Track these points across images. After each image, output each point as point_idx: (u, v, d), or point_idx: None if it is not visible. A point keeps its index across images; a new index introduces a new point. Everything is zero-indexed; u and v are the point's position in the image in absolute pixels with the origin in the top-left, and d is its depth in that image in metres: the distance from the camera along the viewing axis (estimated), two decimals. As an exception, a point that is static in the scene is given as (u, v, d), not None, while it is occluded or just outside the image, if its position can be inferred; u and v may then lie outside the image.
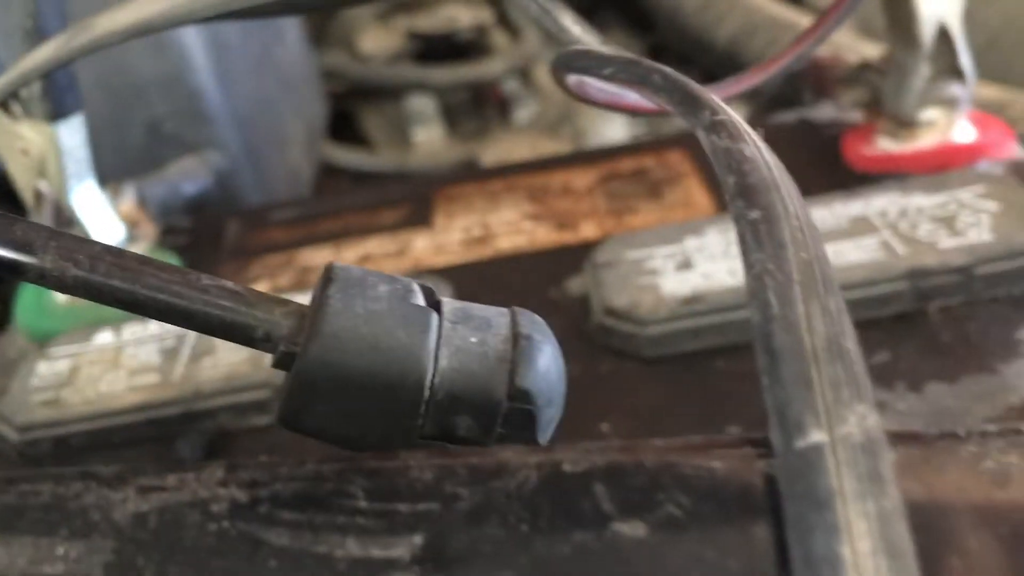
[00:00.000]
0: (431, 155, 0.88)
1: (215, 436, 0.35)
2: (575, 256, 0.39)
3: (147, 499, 0.13)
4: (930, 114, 0.40)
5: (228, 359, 0.36)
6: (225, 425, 0.35)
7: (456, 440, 0.17)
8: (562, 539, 0.12)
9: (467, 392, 0.17)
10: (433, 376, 0.16)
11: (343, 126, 0.90)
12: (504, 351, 0.17)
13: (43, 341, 0.39)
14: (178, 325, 0.17)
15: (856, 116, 0.44)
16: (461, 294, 0.39)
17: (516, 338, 0.17)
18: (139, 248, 0.45)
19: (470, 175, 0.51)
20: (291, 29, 0.72)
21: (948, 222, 0.34)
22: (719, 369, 0.33)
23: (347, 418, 0.17)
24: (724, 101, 0.30)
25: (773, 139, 0.48)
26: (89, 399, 0.36)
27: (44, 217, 0.39)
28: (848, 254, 0.34)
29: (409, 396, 0.16)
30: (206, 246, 0.48)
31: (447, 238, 0.44)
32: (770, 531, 0.12)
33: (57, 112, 0.38)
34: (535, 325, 0.18)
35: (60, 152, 0.39)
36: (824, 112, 0.46)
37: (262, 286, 0.44)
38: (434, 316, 0.17)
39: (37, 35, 0.35)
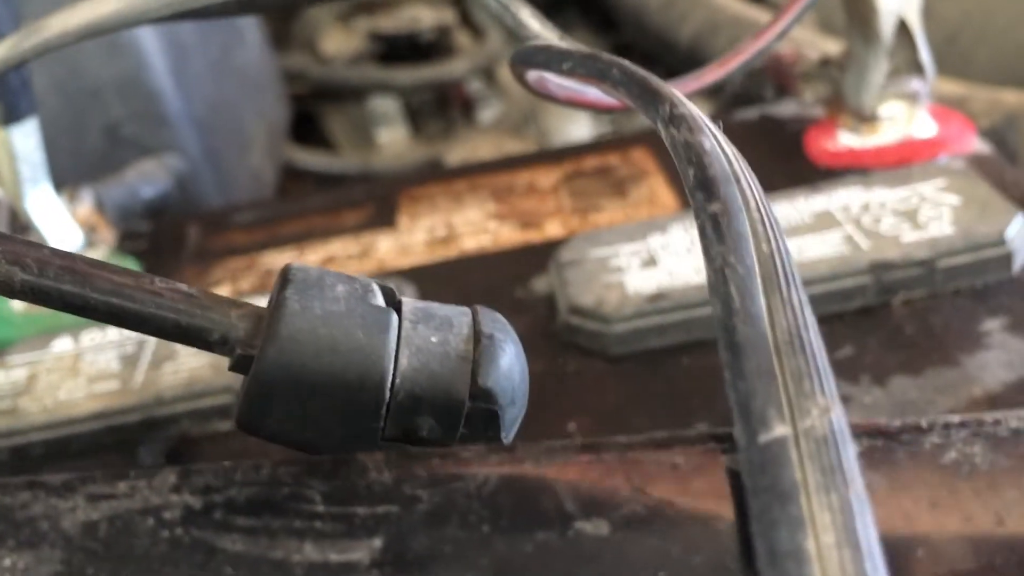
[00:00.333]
0: (395, 156, 0.87)
1: (177, 443, 0.34)
2: (540, 255, 0.39)
3: (97, 507, 0.12)
4: (891, 109, 0.40)
5: (189, 364, 0.36)
6: (187, 431, 0.34)
7: (419, 441, 0.17)
8: (524, 539, 0.12)
9: (429, 393, 0.16)
10: (393, 377, 0.16)
11: (306, 128, 0.89)
12: (466, 350, 0.17)
13: (-1, 349, 0.39)
14: (131, 329, 0.16)
15: (818, 111, 0.44)
16: (426, 295, 0.39)
17: (478, 337, 0.17)
18: (97, 253, 0.44)
19: (434, 175, 0.51)
20: (251, 30, 0.72)
21: (910, 216, 0.34)
22: (685, 366, 0.33)
23: (306, 421, 0.16)
24: (686, 96, 0.30)
25: (736, 135, 0.48)
26: (47, 407, 0.35)
27: (-2, 222, 0.39)
28: (811, 249, 0.34)
29: (369, 398, 0.16)
30: (166, 250, 0.47)
31: (411, 239, 0.44)
32: (735, 526, 0.12)
33: (10, 116, 0.37)
34: (497, 324, 0.18)
35: (14, 156, 0.38)
36: (786, 108, 0.47)
37: (224, 289, 0.43)
38: (394, 316, 0.17)
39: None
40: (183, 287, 0.16)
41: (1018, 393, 0.29)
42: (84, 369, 0.37)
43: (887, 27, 0.38)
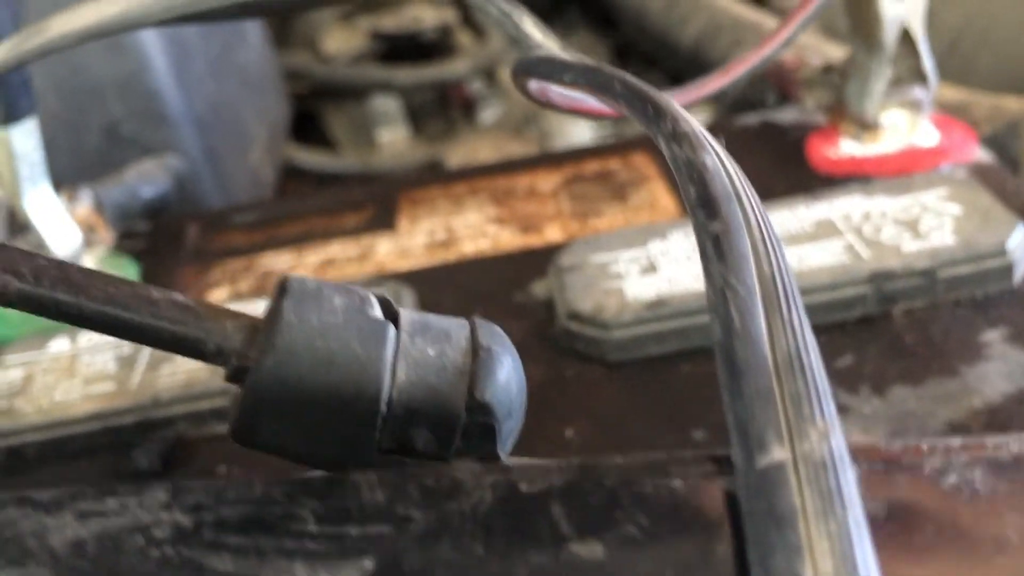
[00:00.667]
0: (396, 156, 0.87)
1: (174, 445, 0.34)
2: (540, 259, 0.39)
3: (86, 524, 0.12)
4: (893, 117, 0.40)
5: (187, 366, 0.36)
6: (184, 433, 0.34)
7: (414, 454, 0.17)
8: (518, 561, 0.12)
9: (425, 406, 0.16)
10: (390, 390, 0.16)
11: (307, 127, 0.89)
12: (463, 363, 0.17)
13: (-4, 348, 0.39)
14: (127, 339, 0.16)
15: (820, 118, 0.44)
16: (425, 299, 0.38)
17: (475, 350, 0.17)
18: (96, 253, 0.44)
19: (434, 177, 0.51)
20: (253, 29, 0.72)
21: (911, 225, 0.34)
22: (684, 373, 0.33)
23: (302, 434, 0.16)
24: (689, 105, 0.30)
25: (737, 141, 0.48)
26: (43, 408, 0.35)
27: (-4, 222, 0.39)
28: (812, 257, 0.34)
29: (366, 411, 0.16)
30: (165, 251, 0.47)
31: (411, 242, 0.43)
32: (731, 550, 0.12)
33: (10, 115, 0.37)
34: (495, 336, 0.18)
35: (13, 156, 0.38)
36: (788, 114, 0.47)
37: (222, 291, 0.43)
38: (391, 328, 0.17)
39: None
40: (179, 297, 0.16)
41: (1018, 405, 0.29)
42: (81, 370, 0.37)
43: (890, 35, 0.38)
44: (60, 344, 0.38)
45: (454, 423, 0.16)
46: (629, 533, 0.12)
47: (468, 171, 0.50)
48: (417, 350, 0.16)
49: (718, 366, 0.12)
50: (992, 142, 0.57)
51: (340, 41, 0.91)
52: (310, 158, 0.84)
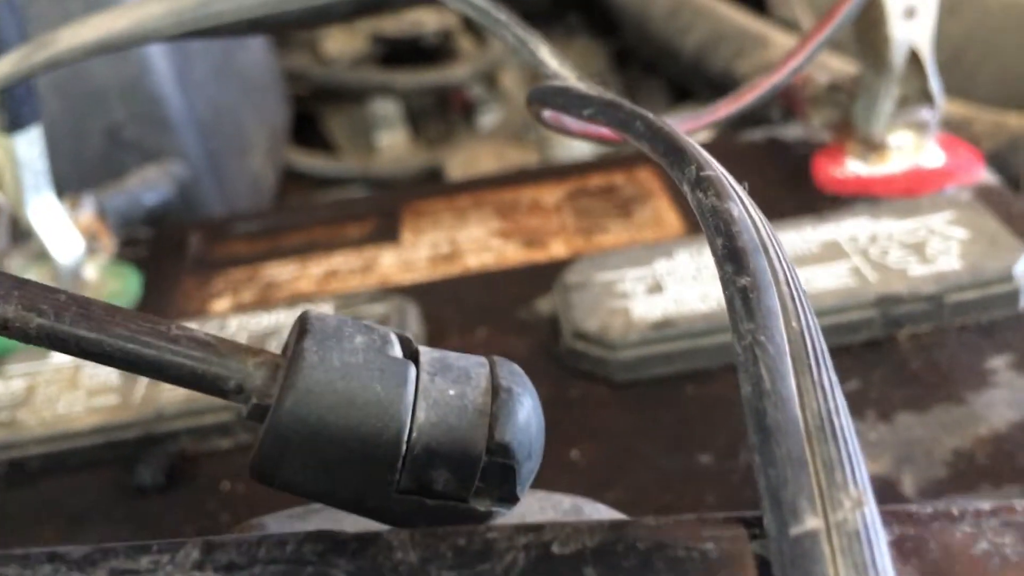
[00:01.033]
0: (395, 159, 0.87)
1: (177, 460, 0.34)
2: (544, 275, 0.39)
3: (119, 584, 0.12)
4: (900, 138, 0.40)
5: (190, 380, 0.35)
6: (187, 448, 0.34)
7: (433, 495, 0.16)
8: (551, 625, 0.12)
9: (445, 446, 0.16)
10: (411, 431, 0.16)
11: (306, 129, 0.89)
12: (483, 404, 0.17)
13: (-2, 359, 0.38)
14: (147, 376, 0.16)
15: (825, 136, 0.44)
16: (429, 313, 0.38)
17: (496, 390, 0.17)
18: (98, 261, 0.44)
19: (437, 189, 0.51)
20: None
21: (918, 248, 0.34)
22: (690, 394, 0.33)
23: (321, 473, 0.16)
24: (700, 130, 0.30)
25: (743, 157, 0.48)
26: (46, 420, 0.35)
27: None
28: (819, 280, 0.34)
29: (386, 451, 0.16)
30: (167, 259, 0.47)
31: (414, 254, 0.43)
32: (763, 617, 0.12)
33: (14, 124, 0.37)
34: (515, 376, 0.18)
35: (17, 164, 0.38)
36: (793, 132, 0.47)
37: (225, 301, 0.43)
38: (412, 368, 0.17)
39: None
40: (200, 334, 0.16)
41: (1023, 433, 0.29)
42: (83, 382, 0.36)
43: (899, 57, 0.38)
44: (62, 356, 0.38)
45: (474, 464, 0.16)
46: (662, 598, 0.12)
47: (471, 183, 0.50)
48: (437, 390, 0.16)
49: (748, 426, 0.12)
50: (993, 159, 0.58)
51: (340, 44, 0.91)
52: (309, 161, 0.84)
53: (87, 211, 0.44)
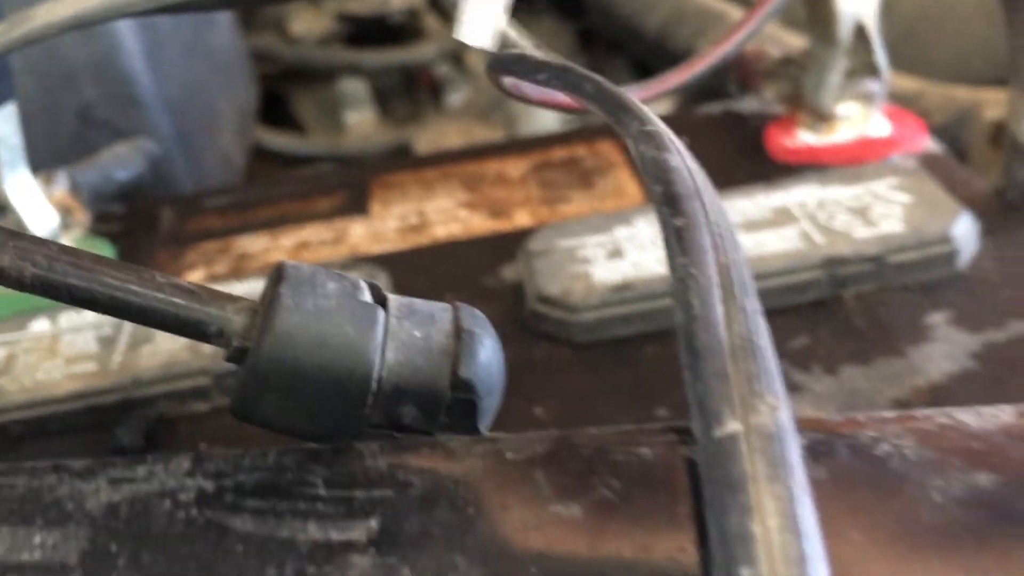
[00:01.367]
0: (363, 138, 0.88)
1: (155, 424, 0.35)
2: (509, 244, 0.41)
3: (118, 490, 0.14)
4: (848, 108, 0.42)
5: (167, 347, 0.37)
6: (165, 412, 0.35)
7: (402, 428, 0.18)
8: (505, 521, 0.13)
9: (412, 384, 0.18)
10: (380, 369, 0.17)
11: (274, 109, 0.90)
12: (447, 345, 0.18)
13: (-23, 329, 0.39)
14: (134, 321, 0.17)
15: (778, 109, 0.46)
16: (398, 281, 0.40)
17: (459, 332, 0.18)
18: (72, 236, 0.45)
19: (405, 163, 0.52)
20: (222, 12, 0.72)
21: (863, 213, 0.36)
22: (648, 354, 0.34)
23: (297, 410, 0.18)
24: (652, 99, 0.31)
25: (700, 129, 0.49)
26: (26, 387, 0.36)
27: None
28: (770, 243, 0.35)
29: (357, 388, 0.17)
30: (140, 233, 0.48)
31: (383, 226, 0.45)
32: (691, 511, 0.13)
33: (-10, 100, 0.38)
34: (476, 320, 0.19)
35: (-8, 140, 0.39)
36: (748, 104, 0.48)
37: (198, 273, 0.44)
38: (381, 312, 0.18)
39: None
40: (183, 282, 0.18)
41: (959, 384, 0.31)
42: (62, 350, 0.37)
43: (845, 30, 0.39)
44: (41, 324, 0.39)
45: (439, 400, 0.18)
46: (603, 495, 0.14)
47: (438, 156, 0.51)
48: (405, 332, 0.18)
49: (680, 348, 0.14)
50: (943, 132, 0.59)
51: (307, 23, 0.92)
52: (278, 140, 0.85)
53: (61, 187, 0.45)
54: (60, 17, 0.31)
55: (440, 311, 0.19)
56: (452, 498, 0.14)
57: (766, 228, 0.36)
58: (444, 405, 0.18)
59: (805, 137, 0.42)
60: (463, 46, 0.25)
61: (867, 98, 0.41)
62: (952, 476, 0.14)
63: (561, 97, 0.25)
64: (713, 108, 0.49)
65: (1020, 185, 0.37)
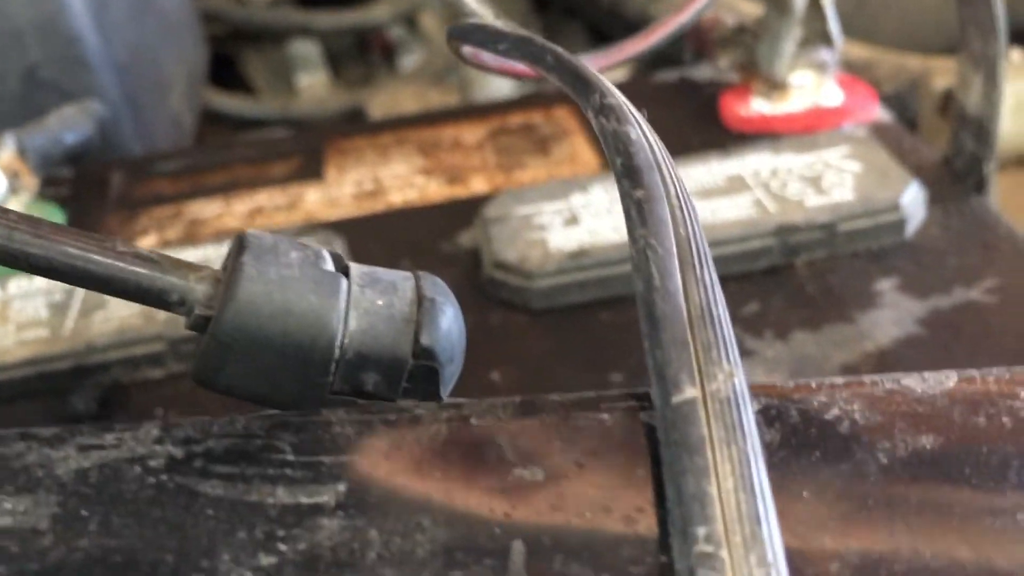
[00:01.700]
0: (315, 101, 0.87)
1: (109, 390, 0.35)
2: (466, 210, 0.41)
3: (87, 456, 0.14)
4: (801, 78, 0.42)
5: (119, 313, 0.36)
6: (119, 378, 0.35)
7: (364, 395, 0.18)
8: (469, 484, 0.14)
9: (375, 351, 0.18)
10: (343, 337, 0.18)
11: (224, 69, 0.88)
12: (409, 313, 0.18)
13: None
14: (95, 290, 0.17)
15: (733, 77, 0.46)
16: (355, 247, 0.40)
17: (420, 300, 0.19)
18: (20, 200, 0.44)
19: (360, 128, 0.52)
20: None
21: (814, 181, 0.37)
22: (603, 320, 0.35)
23: (260, 377, 0.18)
24: (609, 68, 0.32)
25: (656, 96, 0.50)
26: (-24, 354, 0.35)
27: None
28: (724, 211, 0.36)
29: (320, 356, 0.18)
30: (90, 197, 0.47)
31: (339, 191, 0.44)
32: (650, 472, 0.14)
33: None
34: (438, 288, 0.19)
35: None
36: (703, 72, 0.49)
37: (150, 239, 0.44)
38: (343, 281, 0.18)
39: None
40: (144, 251, 0.18)
41: (905, 348, 0.32)
42: (12, 316, 0.37)
43: (800, 0, 0.40)
44: (-11, 292, 0.38)
45: (401, 367, 0.18)
46: (565, 459, 0.14)
47: (394, 121, 0.51)
48: (367, 300, 0.18)
49: (640, 317, 0.14)
50: (894, 100, 0.61)
51: (259, -17, 0.90)
52: (229, 102, 0.83)
53: (7, 150, 0.44)
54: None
55: (402, 279, 0.19)
56: (418, 463, 0.14)
57: (720, 196, 0.37)
58: (406, 372, 0.18)
59: (759, 106, 0.43)
60: (417, 8, 0.25)
61: (820, 67, 0.42)
62: (897, 439, 0.14)
63: (519, 66, 0.25)
64: (668, 75, 0.49)
65: (966, 155, 0.38)
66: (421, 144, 0.47)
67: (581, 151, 0.44)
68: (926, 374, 0.15)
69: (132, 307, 0.37)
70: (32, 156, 0.46)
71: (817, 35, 0.42)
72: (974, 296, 0.33)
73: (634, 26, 0.76)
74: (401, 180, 0.44)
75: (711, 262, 0.15)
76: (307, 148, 0.48)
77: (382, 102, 0.82)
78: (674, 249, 0.15)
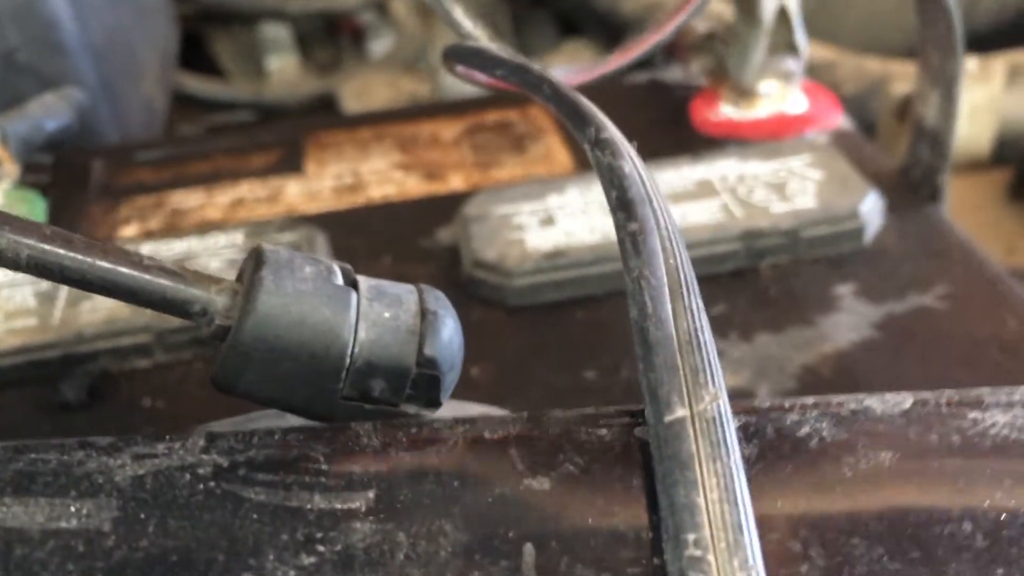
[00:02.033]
0: (285, 84, 0.87)
1: (97, 379, 0.36)
2: (444, 206, 0.42)
3: (142, 464, 0.15)
4: (768, 86, 0.44)
5: (107, 303, 0.37)
6: (108, 368, 0.36)
7: (371, 400, 0.20)
8: (485, 492, 0.15)
9: (382, 360, 0.19)
10: (353, 347, 0.19)
11: (192, 51, 0.88)
12: (414, 324, 0.20)
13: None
14: (123, 300, 0.19)
15: (702, 80, 0.48)
16: (336, 241, 0.41)
17: (424, 313, 0.20)
18: (1, 187, 0.45)
19: (339, 122, 0.53)
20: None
21: (779, 188, 0.39)
22: (578, 318, 0.36)
23: (276, 383, 0.19)
24: (592, 81, 0.33)
25: (627, 98, 0.51)
26: (-35, 342, 0.36)
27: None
28: (694, 215, 0.38)
29: (332, 364, 0.19)
30: (71, 185, 0.48)
31: (319, 185, 0.46)
32: (644, 484, 0.16)
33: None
34: (439, 301, 0.21)
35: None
36: (673, 75, 0.50)
37: (132, 228, 0.44)
38: (353, 294, 0.20)
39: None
40: (168, 264, 0.19)
41: (862, 351, 0.34)
42: (1, 304, 0.38)
43: (769, 12, 0.42)
44: (-22, 281, 0.39)
45: (406, 375, 0.19)
46: (569, 470, 0.16)
47: (372, 116, 0.52)
48: (375, 313, 0.20)
49: (635, 341, 0.16)
50: (854, 102, 0.63)
51: (229, -35, 0.90)
52: (200, 85, 0.84)
53: (-10, 137, 0.45)
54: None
55: (406, 293, 0.20)
56: (439, 472, 0.16)
57: (690, 200, 0.39)
58: (410, 379, 0.20)
59: (727, 111, 0.45)
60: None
61: (786, 76, 0.44)
62: (860, 453, 0.16)
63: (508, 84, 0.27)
64: (639, 78, 0.51)
65: (922, 165, 0.40)
66: (399, 139, 0.48)
67: (556, 150, 0.46)
68: (886, 396, 0.17)
69: (119, 297, 0.38)
70: (14, 143, 0.46)
71: (784, 44, 0.43)
72: (927, 302, 0.35)
73: (602, 18, 0.78)
74: (380, 175, 0.46)
75: (698, 291, 0.17)
76: (286, 140, 0.49)
77: (354, 89, 0.83)
78: (665, 279, 0.16)
